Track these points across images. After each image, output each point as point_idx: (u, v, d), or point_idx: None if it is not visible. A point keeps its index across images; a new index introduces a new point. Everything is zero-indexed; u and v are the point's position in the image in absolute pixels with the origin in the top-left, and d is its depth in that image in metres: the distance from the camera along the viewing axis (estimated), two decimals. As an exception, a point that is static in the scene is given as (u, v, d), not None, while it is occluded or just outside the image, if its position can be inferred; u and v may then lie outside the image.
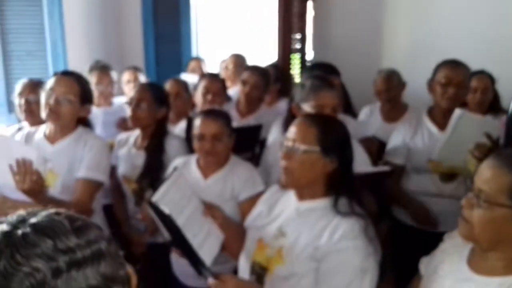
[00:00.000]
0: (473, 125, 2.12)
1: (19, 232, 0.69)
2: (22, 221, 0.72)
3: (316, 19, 4.57)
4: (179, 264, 2.22)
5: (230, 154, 2.17)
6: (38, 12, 4.12)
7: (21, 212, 0.75)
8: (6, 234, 0.69)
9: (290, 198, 1.64)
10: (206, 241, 1.69)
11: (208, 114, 2.14)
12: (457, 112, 2.18)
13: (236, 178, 2.10)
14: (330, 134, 1.53)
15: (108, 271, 0.72)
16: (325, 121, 1.60)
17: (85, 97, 2.21)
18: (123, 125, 2.92)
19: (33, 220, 0.72)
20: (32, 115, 2.59)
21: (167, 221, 1.59)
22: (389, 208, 2.59)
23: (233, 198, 2.08)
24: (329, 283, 1.44)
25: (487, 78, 3.03)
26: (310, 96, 2.14)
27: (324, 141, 1.51)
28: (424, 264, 1.48)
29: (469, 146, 1.91)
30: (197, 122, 2.10)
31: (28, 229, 0.70)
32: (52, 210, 0.75)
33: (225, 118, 2.15)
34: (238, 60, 3.87)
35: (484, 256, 1.25)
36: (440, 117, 2.41)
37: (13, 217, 0.73)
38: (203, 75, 3.07)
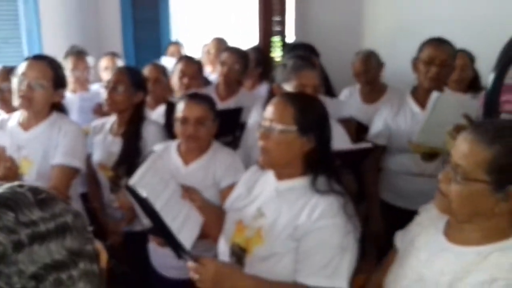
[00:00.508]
0: (451, 106, 2.13)
1: None
2: None
3: (297, 1, 4.54)
4: (157, 255, 2.19)
5: (212, 140, 2.13)
6: (12, -2, 4.03)
7: None
8: None
9: (269, 178, 1.63)
10: (185, 224, 1.68)
11: (193, 97, 2.09)
12: (435, 93, 2.18)
13: (218, 164, 2.06)
14: (308, 113, 1.52)
15: (74, 245, 0.69)
16: (303, 100, 1.58)
17: (59, 82, 2.15)
18: (99, 111, 2.87)
19: None
20: (6, 103, 2.53)
21: (145, 205, 1.56)
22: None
23: (215, 185, 2.05)
24: (309, 261, 1.44)
25: (465, 55, 3.04)
26: (292, 76, 2.12)
27: (301, 121, 1.49)
28: (400, 238, 1.49)
29: (448, 127, 1.91)
30: (181, 105, 2.06)
31: None
32: (15, 183, 0.73)
33: (210, 102, 2.10)
34: (220, 44, 3.82)
35: (460, 227, 1.26)
36: (423, 96, 2.39)
37: None
38: (179, 59, 3.01)
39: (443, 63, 2.30)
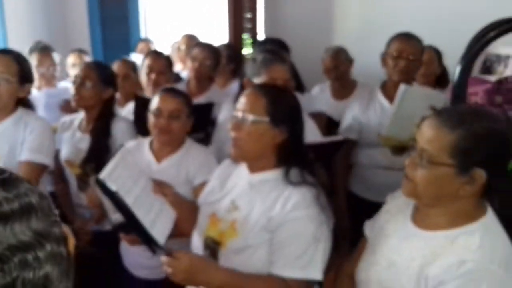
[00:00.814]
0: (419, 99, 2.17)
1: None
2: None
3: (267, -1, 4.56)
4: (128, 254, 2.16)
5: (186, 138, 2.11)
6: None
7: None
8: None
9: (242, 171, 1.63)
10: (158, 219, 1.66)
11: (168, 91, 2.07)
12: (402, 86, 2.23)
13: (191, 162, 2.04)
14: (280, 104, 1.52)
15: (40, 226, 0.67)
16: (275, 91, 1.58)
17: (24, 77, 2.10)
18: (67, 108, 2.80)
19: None
20: None
21: (116, 199, 1.54)
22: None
23: (188, 182, 2.02)
24: (283, 253, 1.44)
25: (431, 50, 3.11)
26: (262, 70, 2.12)
27: (274, 112, 1.49)
28: (369, 226, 1.52)
29: (416, 120, 1.95)
30: (155, 98, 2.03)
31: None
32: None
33: (185, 97, 2.08)
34: (191, 41, 3.77)
35: (427, 212, 1.29)
36: (392, 91, 2.43)
37: None
38: (147, 54, 2.94)
39: (412, 56, 2.35)
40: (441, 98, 2.32)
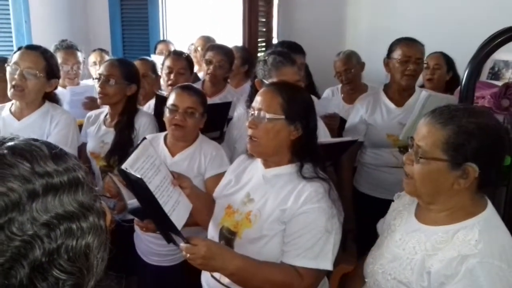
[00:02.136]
0: (438, 105, 2.21)
1: None
2: None
3: (280, 4, 4.62)
4: (141, 242, 2.25)
5: (199, 134, 2.19)
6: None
7: None
8: None
9: (257, 166, 1.70)
10: (175, 209, 1.72)
11: (185, 88, 2.15)
12: (424, 93, 2.26)
13: (203, 155, 2.12)
14: (295, 102, 1.58)
15: (85, 199, 0.71)
16: (290, 89, 1.64)
17: (51, 72, 2.18)
18: (91, 105, 2.85)
19: (10, 143, 0.70)
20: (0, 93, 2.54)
21: (138, 187, 1.58)
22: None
23: (200, 175, 2.11)
24: (296, 243, 1.50)
25: (439, 56, 3.16)
26: (272, 72, 2.16)
27: (289, 109, 1.55)
28: (380, 224, 1.59)
29: None
30: (172, 95, 2.11)
31: (5, 151, 0.68)
32: (30, 137, 0.74)
33: (201, 96, 2.16)
34: (206, 42, 3.81)
35: (428, 209, 1.35)
36: (397, 94, 2.52)
37: None
38: (167, 55, 2.98)
39: (418, 60, 2.43)
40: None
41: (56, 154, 0.72)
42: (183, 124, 2.07)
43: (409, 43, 2.45)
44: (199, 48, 3.84)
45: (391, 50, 2.50)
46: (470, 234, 1.22)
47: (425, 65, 2.69)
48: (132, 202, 1.81)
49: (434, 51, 3.18)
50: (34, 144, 0.71)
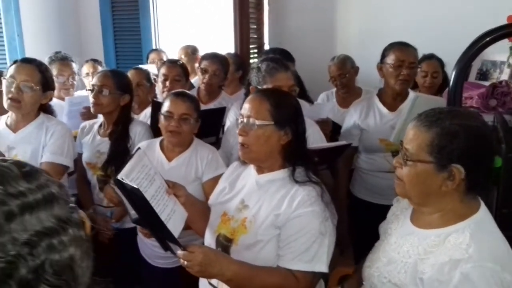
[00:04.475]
0: (427, 107, 2.22)
1: None
2: None
3: (271, 10, 4.67)
4: (146, 246, 2.28)
5: (194, 139, 2.23)
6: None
7: None
8: None
9: (250, 172, 1.72)
10: (171, 218, 1.73)
11: (178, 94, 2.19)
12: (412, 95, 2.27)
13: (199, 159, 2.16)
14: (283, 107, 1.60)
15: (62, 213, 0.72)
16: (277, 95, 1.66)
17: (47, 84, 2.21)
18: (88, 115, 2.87)
19: None
20: None
21: (134, 197, 1.60)
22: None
23: (197, 179, 2.15)
24: (291, 247, 1.52)
25: (436, 61, 3.19)
26: (267, 79, 2.18)
27: (277, 115, 1.57)
28: (380, 228, 1.60)
29: None
30: (166, 102, 2.15)
31: None
32: None
33: (195, 102, 2.20)
34: (188, 50, 3.95)
35: (421, 212, 1.37)
36: (390, 98, 2.52)
37: None
38: (163, 63, 3.04)
39: (412, 64, 2.43)
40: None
41: (26, 172, 0.72)
42: (179, 130, 2.11)
43: (402, 48, 2.45)
44: (182, 56, 3.89)
45: (384, 55, 2.50)
46: (461, 237, 1.23)
47: (419, 69, 2.70)
48: (135, 213, 1.83)
49: (428, 56, 3.21)
50: (3, 165, 0.71)
